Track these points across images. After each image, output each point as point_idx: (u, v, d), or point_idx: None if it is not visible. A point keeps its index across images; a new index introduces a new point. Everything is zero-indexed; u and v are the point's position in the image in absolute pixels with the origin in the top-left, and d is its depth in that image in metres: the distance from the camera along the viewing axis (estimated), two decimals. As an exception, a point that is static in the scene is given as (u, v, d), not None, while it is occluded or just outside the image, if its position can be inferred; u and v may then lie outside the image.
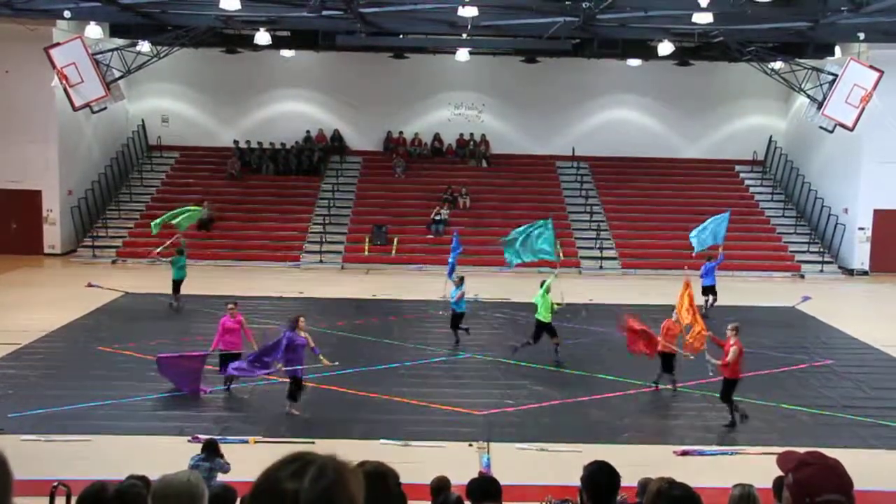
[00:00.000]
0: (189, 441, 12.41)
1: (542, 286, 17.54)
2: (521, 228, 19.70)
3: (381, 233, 30.42)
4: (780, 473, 2.78)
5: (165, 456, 11.38)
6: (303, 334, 14.08)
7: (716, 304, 23.00)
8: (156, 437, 12.77)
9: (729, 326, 14.23)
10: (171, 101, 35.10)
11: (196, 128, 35.03)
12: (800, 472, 2.55)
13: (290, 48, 31.93)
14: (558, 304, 17.41)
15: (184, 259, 22.46)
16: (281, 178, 33.75)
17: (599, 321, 21.45)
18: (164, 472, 3.10)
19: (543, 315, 17.32)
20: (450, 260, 22.27)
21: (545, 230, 18.80)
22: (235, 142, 34.63)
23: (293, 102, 35.34)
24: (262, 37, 26.93)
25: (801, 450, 2.88)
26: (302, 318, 14.41)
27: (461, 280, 19.14)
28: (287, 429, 13.34)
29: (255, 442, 12.62)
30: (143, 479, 4.82)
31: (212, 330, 19.30)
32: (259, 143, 34.70)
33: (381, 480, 3.40)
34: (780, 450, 2.90)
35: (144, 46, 27.37)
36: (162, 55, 27.95)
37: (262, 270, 28.15)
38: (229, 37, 29.37)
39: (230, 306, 15.57)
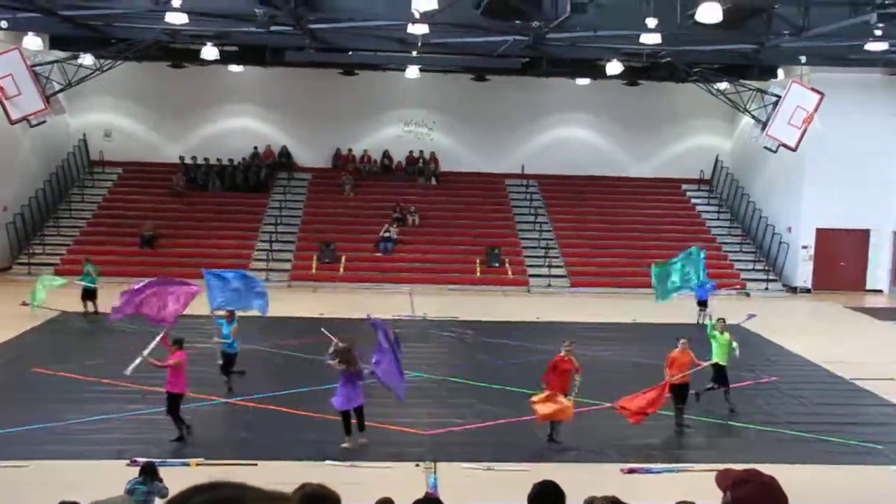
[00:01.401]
0: (128, 465, 12.04)
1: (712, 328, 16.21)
2: (677, 261, 18.16)
3: (329, 250, 30.16)
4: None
5: (103, 480, 11.01)
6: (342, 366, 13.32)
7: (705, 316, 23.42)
8: (94, 462, 12.37)
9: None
10: (114, 116, 34.48)
11: (140, 143, 34.45)
12: (737, 490, 2.49)
13: (238, 63, 31.58)
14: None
15: (87, 269, 22.78)
16: (227, 195, 33.32)
17: (548, 340, 21.41)
18: (102, 496, 2.92)
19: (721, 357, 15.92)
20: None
21: (697, 260, 17.79)
22: (181, 157, 34.12)
23: (241, 118, 34.97)
24: (210, 51, 26.58)
25: (741, 467, 2.81)
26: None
27: (232, 315, 16.89)
28: (230, 451, 13.03)
29: (197, 465, 12.29)
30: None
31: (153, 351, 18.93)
32: (205, 159, 34.24)
33: (321, 503, 3.28)
34: (740, 467, 2.83)
35: (87, 59, 26.86)
36: (105, 69, 27.45)
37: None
38: (176, 51, 28.92)
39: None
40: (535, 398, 13.51)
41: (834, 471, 12.99)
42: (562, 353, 13.96)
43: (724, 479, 2.60)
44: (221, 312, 16.67)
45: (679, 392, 14.65)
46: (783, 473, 10.98)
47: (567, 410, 13.34)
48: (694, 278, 16.97)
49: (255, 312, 20.03)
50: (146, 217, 30.67)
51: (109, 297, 24.66)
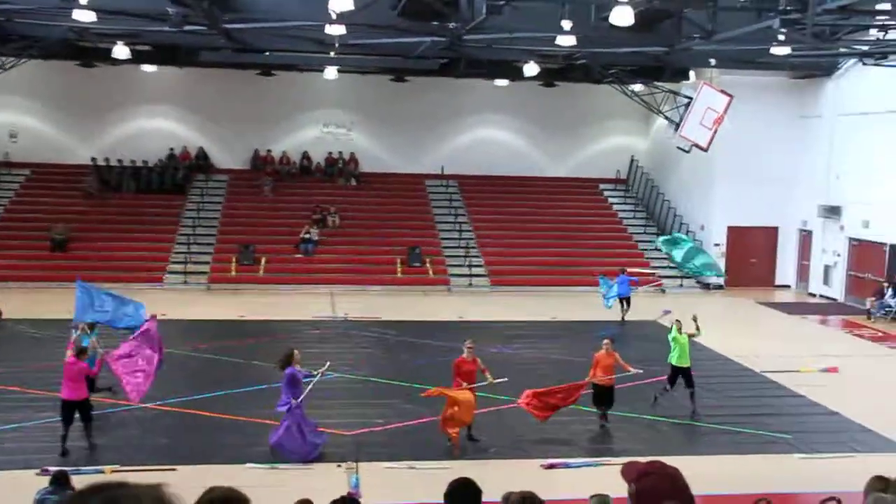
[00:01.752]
0: (38, 474, 11.70)
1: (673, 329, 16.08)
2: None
3: (249, 252, 29.78)
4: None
5: (13, 491, 10.69)
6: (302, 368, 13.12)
7: (628, 312, 24.62)
8: (3, 472, 11.98)
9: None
10: (19, 116, 33.35)
11: (49, 144, 33.41)
12: (641, 481, 2.58)
13: (151, 63, 30.84)
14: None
15: None
16: (143, 197, 32.58)
17: (470, 338, 21.54)
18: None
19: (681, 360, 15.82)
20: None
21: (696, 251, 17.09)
22: (93, 159, 33.23)
23: (156, 119, 34.23)
24: (121, 51, 25.88)
25: (660, 459, 2.90)
26: (297, 351, 13.32)
27: (92, 327, 15.52)
28: (147, 456, 12.78)
29: (112, 472, 12.03)
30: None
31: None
32: (119, 161, 33.42)
33: (231, 508, 3.24)
34: (645, 460, 2.92)
35: (-12, 57, 25.93)
36: (8, 66, 26.54)
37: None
38: (85, 49, 28.09)
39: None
40: (444, 422, 13.21)
41: (744, 460, 13.43)
42: (464, 354, 13.90)
43: (629, 472, 2.69)
44: (81, 324, 15.31)
45: (605, 395, 14.55)
46: (696, 465, 11.31)
47: (464, 406, 13.15)
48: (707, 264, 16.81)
49: (182, 316, 19.76)
50: (56, 220, 29.77)
51: (17, 303, 24.02)
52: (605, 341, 14.95)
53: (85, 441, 13.03)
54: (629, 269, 25.95)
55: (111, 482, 1.90)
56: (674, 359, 15.83)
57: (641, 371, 15.20)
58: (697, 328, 16.29)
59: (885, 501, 3.56)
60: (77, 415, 12.98)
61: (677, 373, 15.76)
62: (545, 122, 35.52)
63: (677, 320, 16.41)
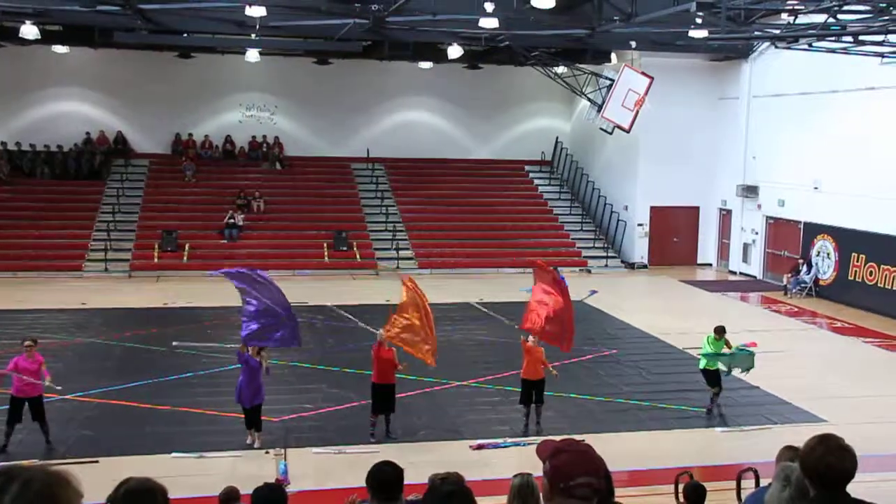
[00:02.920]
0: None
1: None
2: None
3: (172, 238, 29.21)
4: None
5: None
6: (257, 357, 12.79)
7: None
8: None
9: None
10: (-79, 99, 32.06)
11: (-44, 128, 32.19)
12: (555, 458, 2.62)
13: (62, 44, 29.80)
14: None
15: None
16: (59, 183, 31.64)
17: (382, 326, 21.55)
18: None
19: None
20: None
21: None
22: (3, 143, 32.09)
23: (70, 102, 33.20)
24: (29, 30, 24.68)
25: (585, 436, 2.95)
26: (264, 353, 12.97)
27: None
28: (68, 449, 12.49)
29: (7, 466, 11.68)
30: None
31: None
32: (32, 146, 32.35)
33: (146, 497, 3.20)
34: (559, 438, 2.96)
35: None
36: None
37: (39, 281, 26.28)
38: (-9, 28, 27.03)
39: (27, 343, 12.74)
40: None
41: (668, 435, 13.75)
42: (379, 341, 13.35)
43: (543, 450, 2.73)
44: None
45: (537, 390, 13.84)
46: (621, 440, 11.52)
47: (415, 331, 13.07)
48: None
49: (104, 305, 19.03)
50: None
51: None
52: (531, 338, 13.93)
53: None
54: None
55: (1, 470, 1.90)
56: (704, 364, 14.80)
57: (556, 374, 14.33)
58: (727, 344, 14.96)
59: (788, 468, 3.69)
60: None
61: (706, 375, 14.78)
62: (470, 104, 35.60)
63: (720, 327, 15.10)
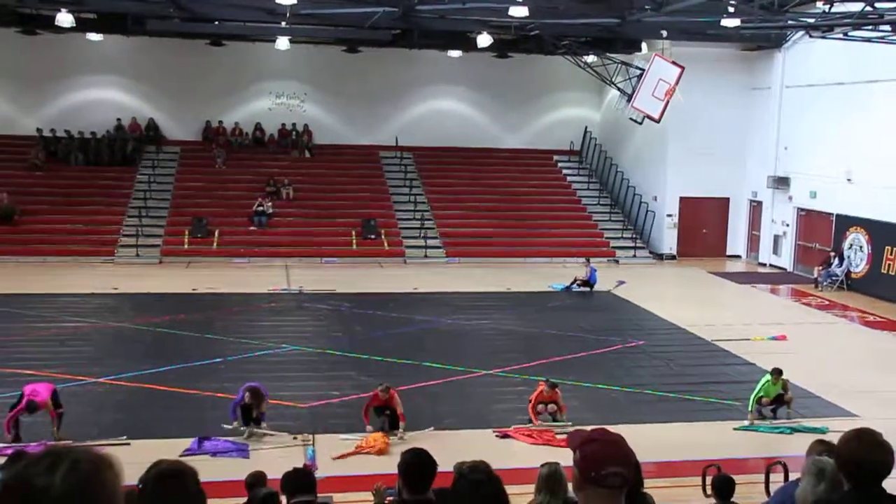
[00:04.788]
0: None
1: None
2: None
3: (202, 225, 29.46)
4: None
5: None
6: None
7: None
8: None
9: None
10: (-40, 86, 32.52)
11: (-9, 115, 32.61)
12: (585, 448, 2.63)
13: (97, 32, 30.12)
14: None
15: None
16: (92, 169, 31.98)
17: (424, 310, 21.66)
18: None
19: None
20: None
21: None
22: (39, 130, 32.50)
23: (103, 89, 33.52)
24: (65, 18, 25.05)
25: (611, 428, 2.96)
26: (247, 394, 12.68)
27: None
28: (99, 431, 12.66)
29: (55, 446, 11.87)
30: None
31: (14, 332, 18.18)
32: (66, 132, 32.73)
33: (177, 479, 3.26)
34: (590, 428, 2.98)
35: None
36: (-56, 34, 25.76)
37: (73, 266, 26.62)
38: (27, 16, 27.32)
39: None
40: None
41: (695, 427, 13.69)
42: (378, 392, 12.91)
43: (573, 440, 2.74)
44: None
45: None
46: (648, 432, 11.51)
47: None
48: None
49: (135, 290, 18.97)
50: (1, 192, 29.10)
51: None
52: (544, 383, 13.56)
53: (33, 417, 12.80)
54: None
55: (45, 451, 1.96)
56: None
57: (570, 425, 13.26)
58: (785, 388, 14.14)
59: (821, 462, 3.67)
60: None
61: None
62: (499, 93, 35.50)
63: (777, 369, 14.20)
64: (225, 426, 12.66)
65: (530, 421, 13.28)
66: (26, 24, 28.40)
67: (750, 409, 13.85)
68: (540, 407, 13.41)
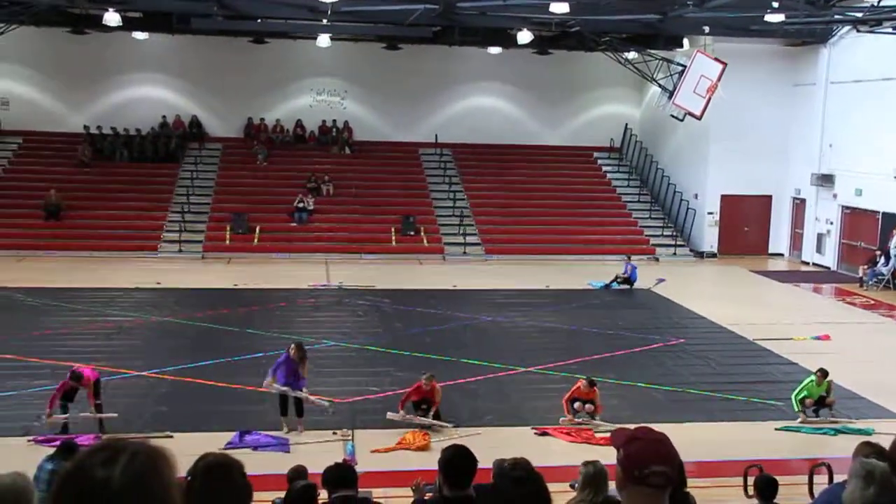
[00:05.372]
0: (29, 443, 11.80)
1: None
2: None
3: (243, 221, 29.76)
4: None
5: (5, 458, 10.75)
6: (296, 359, 12.85)
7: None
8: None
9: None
10: (10, 83, 33.13)
11: (41, 112, 33.22)
12: (629, 447, 2.63)
13: (142, 30, 30.61)
14: None
15: None
16: (136, 165, 32.48)
17: (463, 307, 21.68)
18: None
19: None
20: None
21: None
22: (86, 127, 33.08)
23: (148, 87, 34.02)
24: (112, 17, 25.55)
25: (633, 426, 2.96)
26: (293, 347, 12.98)
27: None
28: (144, 424, 12.86)
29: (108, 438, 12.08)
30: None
31: (59, 323, 18.53)
32: (112, 129, 33.27)
33: (224, 472, 3.32)
34: (634, 426, 2.98)
35: (-24, 23, 25.63)
36: (-2, 33, 26.33)
37: (117, 260, 27.05)
38: (76, 16, 27.85)
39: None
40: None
41: (736, 427, 13.57)
42: (422, 382, 13.06)
43: (617, 438, 2.74)
44: None
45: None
46: (688, 431, 11.43)
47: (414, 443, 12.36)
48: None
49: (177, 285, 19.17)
50: (49, 188, 29.66)
51: (11, 271, 24.08)
52: (583, 381, 13.45)
53: (81, 409, 13.03)
54: None
55: (103, 444, 1.99)
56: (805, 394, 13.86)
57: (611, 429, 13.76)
58: (828, 390, 13.89)
59: (870, 465, 3.62)
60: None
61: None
62: (539, 89, 35.40)
63: (821, 369, 13.91)
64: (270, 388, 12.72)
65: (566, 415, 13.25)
66: (75, 24, 28.95)
67: (797, 409, 13.68)
68: (577, 405, 13.36)
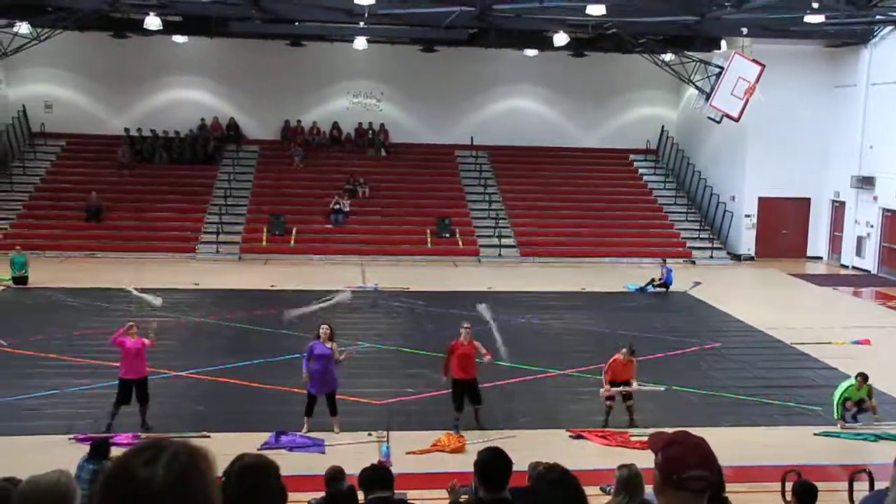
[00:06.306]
0: (70, 440, 11.99)
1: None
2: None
3: (280, 222, 30.01)
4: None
5: (51, 457, 10.94)
6: (329, 345, 12.90)
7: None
8: (42, 438, 12.27)
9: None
10: (55, 87, 33.71)
11: (83, 114, 33.74)
12: (667, 450, 2.63)
13: (182, 34, 31.00)
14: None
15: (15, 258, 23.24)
16: (175, 167, 32.88)
17: (499, 309, 21.61)
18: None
19: None
20: None
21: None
22: (126, 129, 33.54)
23: (187, 90, 34.43)
24: (153, 21, 26.01)
25: (670, 430, 2.97)
26: (325, 327, 13.03)
27: None
28: (181, 423, 13.02)
29: (147, 438, 12.23)
30: (12, 480, 4.60)
31: (99, 323, 18.78)
32: (152, 131, 33.71)
33: (260, 473, 3.36)
34: (671, 430, 2.99)
35: (23, 28, 26.10)
36: (43, 38, 26.78)
37: (156, 262, 27.42)
38: (118, 21, 28.27)
39: (130, 325, 13.25)
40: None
41: (774, 431, 13.43)
42: (461, 338, 13.21)
43: (655, 442, 2.74)
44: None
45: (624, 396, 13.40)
46: (725, 435, 11.34)
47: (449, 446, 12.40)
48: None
49: (215, 286, 19.35)
50: (90, 190, 30.12)
51: (53, 272, 24.49)
52: (624, 349, 13.50)
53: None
54: None
55: (145, 444, 2.03)
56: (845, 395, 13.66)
57: (663, 388, 14.08)
58: (869, 394, 13.70)
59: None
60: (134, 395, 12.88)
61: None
62: (575, 92, 35.28)
63: (862, 374, 13.71)
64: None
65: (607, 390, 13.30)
66: (117, 28, 29.41)
67: (837, 415, 13.50)
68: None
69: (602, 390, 13.40)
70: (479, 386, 13.30)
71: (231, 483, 3.33)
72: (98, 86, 33.70)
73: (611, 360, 13.53)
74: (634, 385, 13.43)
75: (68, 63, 33.01)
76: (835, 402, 13.60)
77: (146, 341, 13.07)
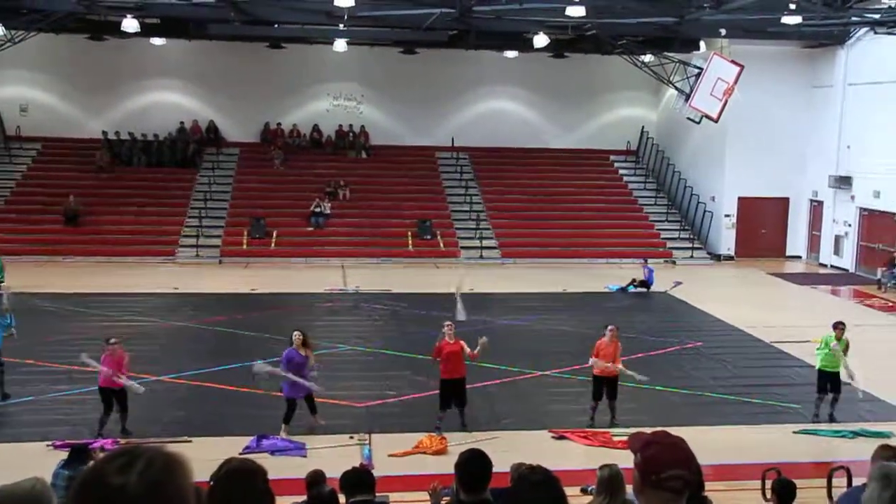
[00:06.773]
0: (48, 447, 11.87)
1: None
2: None
3: (260, 225, 29.89)
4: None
5: (26, 462, 10.83)
6: (303, 352, 12.98)
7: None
8: (19, 445, 12.16)
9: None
10: (30, 89, 33.40)
11: (60, 117, 33.47)
12: (646, 451, 2.63)
13: (160, 36, 30.83)
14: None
15: None
16: (154, 171, 32.67)
17: (480, 310, 21.64)
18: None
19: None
20: None
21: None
22: (104, 133, 33.30)
23: (165, 92, 34.24)
24: (130, 23, 25.78)
25: (669, 430, 2.96)
26: (297, 334, 13.14)
27: None
28: (162, 429, 12.94)
29: (127, 443, 12.14)
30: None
31: (81, 330, 18.62)
32: (130, 134, 33.49)
33: (247, 478, 3.34)
34: (650, 430, 2.99)
35: (-3, 30, 25.88)
36: (17, 40, 26.54)
37: (135, 266, 27.23)
38: (94, 23, 28.01)
39: (113, 342, 13.04)
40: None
41: (754, 430, 13.50)
42: (445, 338, 13.23)
43: (634, 442, 2.74)
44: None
45: (609, 386, 13.56)
46: (706, 434, 11.38)
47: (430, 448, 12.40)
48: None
49: (195, 289, 19.32)
50: (68, 194, 29.88)
51: (30, 276, 24.26)
52: (610, 328, 13.72)
53: (100, 414, 13.11)
54: None
55: (119, 450, 2.00)
56: (821, 364, 13.99)
57: (646, 378, 14.01)
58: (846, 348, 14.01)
59: (890, 468, 3.60)
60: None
61: (826, 379, 13.93)
62: (555, 93, 35.37)
63: (839, 325, 14.14)
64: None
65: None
66: (94, 30, 29.17)
67: (820, 362, 13.90)
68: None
69: (591, 360, 13.66)
70: (466, 386, 13.26)
71: (218, 487, 3.31)
72: (75, 88, 33.44)
73: (597, 342, 13.75)
74: (619, 366, 13.59)
75: (44, 65, 32.74)
76: (819, 357, 13.93)
77: (123, 365, 12.84)
